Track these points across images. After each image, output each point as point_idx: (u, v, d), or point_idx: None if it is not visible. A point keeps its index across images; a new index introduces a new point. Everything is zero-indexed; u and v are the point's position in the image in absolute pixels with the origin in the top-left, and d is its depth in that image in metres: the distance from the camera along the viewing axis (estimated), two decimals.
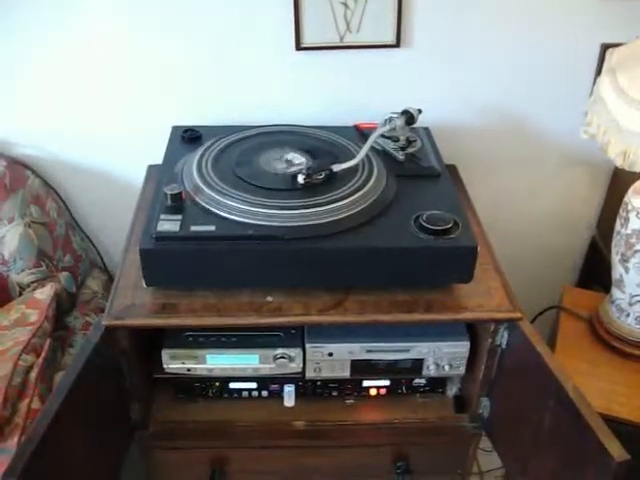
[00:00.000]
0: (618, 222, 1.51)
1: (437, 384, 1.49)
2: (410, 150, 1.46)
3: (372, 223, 1.24)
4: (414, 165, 1.43)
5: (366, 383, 1.47)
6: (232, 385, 1.46)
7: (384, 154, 1.45)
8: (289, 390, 1.44)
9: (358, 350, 1.37)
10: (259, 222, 1.20)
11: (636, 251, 1.46)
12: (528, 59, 1.67)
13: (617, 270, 1.54)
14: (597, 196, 1.92)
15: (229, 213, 1.22)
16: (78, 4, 1.54)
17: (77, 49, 1.60)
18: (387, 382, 1.47)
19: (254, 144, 1.45)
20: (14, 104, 1.68)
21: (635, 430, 1.44)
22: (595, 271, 1.95)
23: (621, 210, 1.50)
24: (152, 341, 1.39)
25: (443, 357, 1.39)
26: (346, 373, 1.41)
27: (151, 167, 1.67)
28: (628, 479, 1.04)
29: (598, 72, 1.64)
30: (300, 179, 1.28)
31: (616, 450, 1.04)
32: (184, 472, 1.51)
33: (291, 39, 1.59)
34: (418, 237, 1.21)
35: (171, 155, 1.46)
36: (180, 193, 1.24)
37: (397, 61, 1.65)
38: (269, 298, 1.26)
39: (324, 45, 1.61)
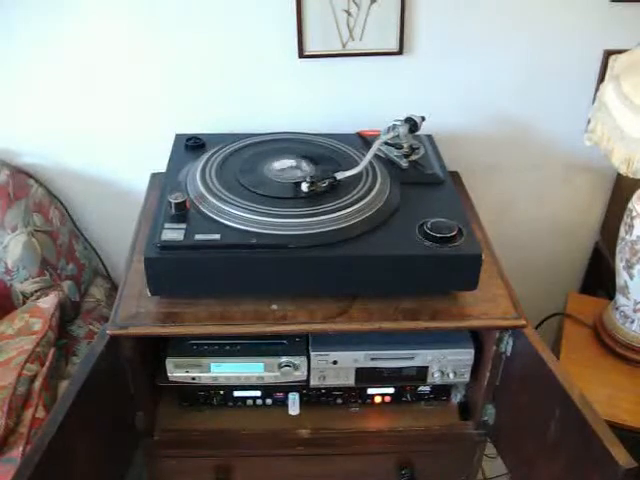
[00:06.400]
0: (622, 229, 1.51)
1: (442, 391, 1.49)
2: (413, 157, 1.46)
3: (376, 231, 1.24)
4: (417, 172, 1.44)
5: (371, 391, 1.47)
6: (236, 393, 1.46)
7: (387, 161, 1.45)
8: (293, 398, 1.44)
9: (363, 358, 1.37)
10: (263, 230, 1.20)
11: None
12: (531, 66, 1.67)
13: (621, 277, 1.54)
14: (600, 202, 1.92)
15: (233, 221, 1.22)
16: (79, 13, 1.55)
17: (79, 57, 1.61)
18: (392, 390, 1.47)
19: (257, 152, 1.45)
20: (16, 113, 1.69)
21: None
22: (599, 277, 1.95)
23: (625, 216, 1.50)
24: (156, 349, 1.39)
25: (448, 364, 1.39)
26: (351, 381, 1.41)
27: (154, 175, 1.67)
28: None
29: (601, 79, 1.64)
30: (304, 187, 1.28)
31: (622, 457, 1.03)
32: None
33: (294, 47, 1.60)
34: (423, 245, 1.21)
35: (175, 163, 1.46)
36: (184, 201, 1.24)
37: (400, 68, 1.66)
38: (274, 306, 1.26)
39: (327, 53, 1.61)
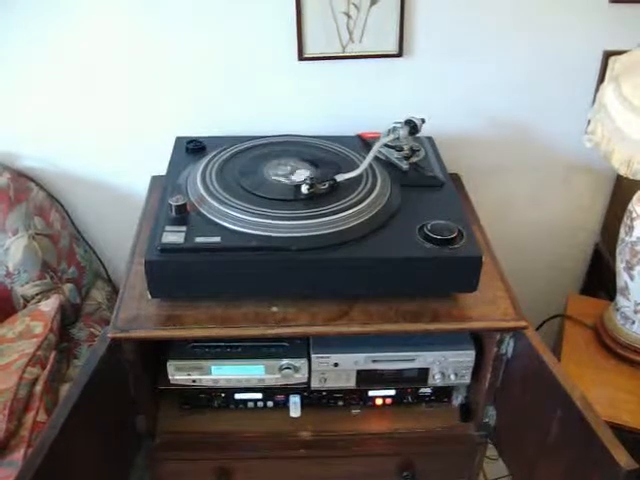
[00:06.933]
0: (622, 230, 1.51)
1: (443, 393, 1.49)
2: (414, 159, 1.47)
3: (377, 233, 1.25)
4: (418, 174, 1.44)
5: (372, 393, 1.47)
6: (237, 396, 1.46)
7: (388, 164, 1.45)
8: (295, 400, 1.44)
9: (364, 360, 1.37)
10: (263, 233, 1.20)
11: None
12: (531, 67, 1.67)
13: (622, 278, 1.54)
14: (600, 204, 1.92)
15: (233, 224, 1.22)
16: (79, 14, 1.55)
17: (80, 62, 1.61)
18: (393, 392, 1.47)
19: (258, 154, 1.45)
20: (17, 117, 1.69)
21: None
22: (599, 279, 1.95)
23: (625, 218, 1.50)
24: (157, 352, 1.39)
25: (449, 366, 1.39)
26: (352, 383, 1.41)
27: (155, 178, 1.67)
28: None
29: (600, 80, 1.64)
30: (304, 189, 1.28)
31: (623, 458, 1.03)
32: None
33: (294, 49, 1.60)
34: (423, 247, 1.21)
35: (175, 166, 1.46)
36: (185, 204, 1.24)
37: (400, 70, 1.66)
38: (274, 309, 1.26)
39: (327, 55, 1.61)
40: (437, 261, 1.20)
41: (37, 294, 1.63)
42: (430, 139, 1.60)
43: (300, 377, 1.38)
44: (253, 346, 1.37)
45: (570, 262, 2.05)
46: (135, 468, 1.40)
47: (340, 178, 1.31)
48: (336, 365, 1.37)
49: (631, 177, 1.36)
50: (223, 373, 1.37)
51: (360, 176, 1.34)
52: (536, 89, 1.71)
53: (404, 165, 1.44)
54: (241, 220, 1.22)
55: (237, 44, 1.61)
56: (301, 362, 1.36)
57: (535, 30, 1.62)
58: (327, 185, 1.30)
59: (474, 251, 1.21)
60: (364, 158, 1.35)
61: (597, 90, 1.56)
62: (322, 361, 1.36)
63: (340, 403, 1.48)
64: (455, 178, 1.66)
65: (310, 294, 1.27)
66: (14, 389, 1.33)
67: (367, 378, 1.40)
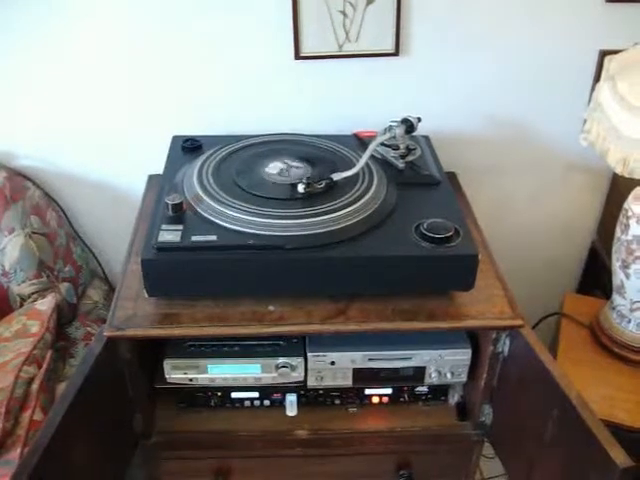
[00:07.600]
0: (618, 228, 1.51)
1: (439, 392, 1.49)
2: (410, 158, 1.47)
3: (373, 232, 1.25)
4: (414, 173, 1.44)
5: (368, 391, 1.47)
6: (234, 395, 1.45)
7: (384, 162, 1.45)
8: (291, 399, 1.44)
9: (360, 359, 1.37)
10: (260, 232, 1.20)
11: (636, 257, 1.46)
12: (527, 67, 1.67)
13: (618, 276, 1.54)
14: (597, 202, 1.93)
15: (230, 223, 1.22)
16: (77, 15, 1.55)
17: (77, 61, 1.61)
18: (389, 390, 1.47)
19: (254, 153, 1.45)
20: (14, 115, 1.68)
21: (639, 436, 1.44)
22: (595, 277, 1.95)
23: (621, 216, 1.50)
24: (154, 351, 1.39)
25: (445, 365, 1.39)
26: (348, 382, 1.41)
27: (151, 177, 1.67)
28: None
29: (596, 79, 1.64)
30: (300, 188, 1.28)
31: (620, 457, 1.03)
32: None
33: (290, 48, 1.60)
34: (419, 245, 1.21)
35: (172, 165, 1.46)
36: (181, 203, 1.24)
37: (396, 69, 1.66)
38: (271, 307, 1.26)
39: (323, 54, 1.61)
40: (433, 259, 1.21)
41: (33, 293, 1.63)
42: (426, 138, 1.60)
43: (296, 376, 1.38)
44: (250, 345, 1.36)
45: (566, 261, 2.05)
46: (132, 467, 1.40)
47: (337, 177, 1.31)
48: (332, 363, 1.37)
49: (627, 176, 1.36)
50: (220, 372, 1.37)
51: (356, 175, 1.34)
52: (532, 88, 1.71)
53: (400, 164, 1.44)
54: (237, 219, 1.22)
55: (233, 43, 1.60)
56: (297, 361, 1.36)
57: (531, 29, 1.62)
58: (323, 184, 1.30)
59: (470, 249, 1.22)
60: (360, 157, 1.35)
61: (593, 89, 1.56)
62: (318, 359, 1.36)
63: (337, 402, 1.48)
64: (452, 177, 1.66)
65: (306, 293, 1.27)
66: (10, 388, 1.33)
67: (363, 376, 1.40)
